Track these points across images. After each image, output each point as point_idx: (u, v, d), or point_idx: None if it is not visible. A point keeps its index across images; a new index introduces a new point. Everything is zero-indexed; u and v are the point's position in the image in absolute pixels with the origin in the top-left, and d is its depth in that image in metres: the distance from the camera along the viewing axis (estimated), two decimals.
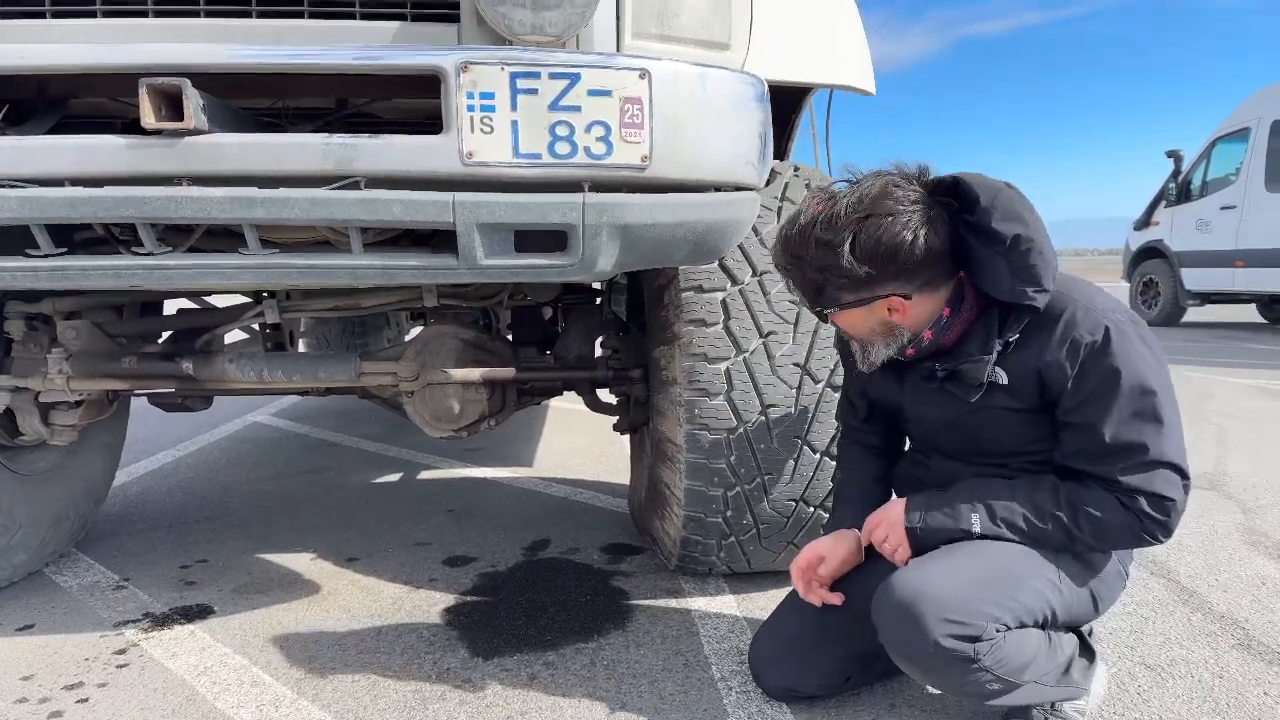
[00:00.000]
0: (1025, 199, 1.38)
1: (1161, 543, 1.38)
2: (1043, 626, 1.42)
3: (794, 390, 1.95)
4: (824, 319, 1.50)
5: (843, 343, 1.77)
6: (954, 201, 1.39)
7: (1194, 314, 10.56)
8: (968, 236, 1.39)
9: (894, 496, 1.70)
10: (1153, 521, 1.35)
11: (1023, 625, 1.38)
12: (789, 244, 1.42)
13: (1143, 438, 1.33)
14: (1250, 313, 10.88)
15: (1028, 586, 1.39)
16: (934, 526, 1.45)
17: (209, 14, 1.40)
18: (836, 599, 1.59)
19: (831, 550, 1.62)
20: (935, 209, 1.37)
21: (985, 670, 1.33)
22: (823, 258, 1.36)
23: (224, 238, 1.61)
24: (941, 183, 1.41)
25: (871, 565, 1.60)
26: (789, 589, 1.78)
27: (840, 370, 1.95)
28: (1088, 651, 1.55)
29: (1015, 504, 1.42)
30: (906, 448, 1.80)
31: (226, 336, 2.34)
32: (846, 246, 1.34)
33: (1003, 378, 1.40)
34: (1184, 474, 1.36)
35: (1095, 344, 1.34)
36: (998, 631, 1.33)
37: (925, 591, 1.33)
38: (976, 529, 1.42)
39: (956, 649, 1.30)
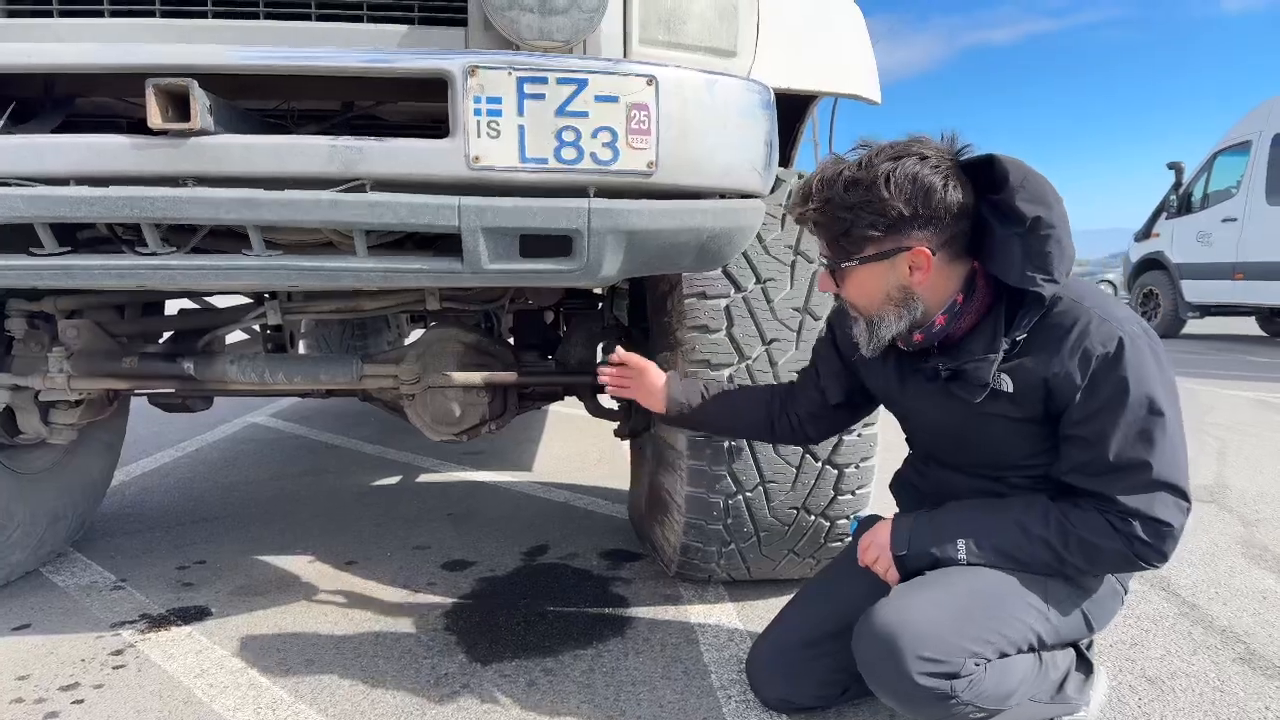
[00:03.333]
0: (1054, 189, 1.34)
1: (1156, 568, 1.36)
2: (1030, 650, 1.41)
3: None
4: (837, 282, 1.44)
5: (821, 339, 1.76)
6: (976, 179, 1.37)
7: (1193, 326, 10.57)
8: (989, 218, 1.36)
9: (893, 501, 1.70)
10: (1145, 546, 1.31)
11: (1004, 655, 1.36)
12: (816, 187, 1.38)
13: (1147, 457, 1.30)
14: (1250, 325, 10.89)
15: (1011, 617, 1.37)
16: (919, 552, 1.44)
17: (216, 15, 1.39)
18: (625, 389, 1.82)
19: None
20: (960, 172, 1.35)
21: (965, 704, 1.32)
22: (854, 195, 1.33)
23: (228, 238, 1.60)
24: (975, 159, 1.37)
25: (866, 584, 1.56)
26: (789, 598, 1.77)
27: None
28: (1085, 665, 1.54)
29: (1003, 529, 1.40)
30: (908, 454, 1.77)
31: (227, 337, 2.34)
32: (881, 181, 1.31)
33: (1007, 384, 1.35)
34: (1185, 496, 1.32)
35: (1108, 355, 1.30)
36: (976, 665, 1.32)
37: (903, 628, 1.32)
38: (962, 556, 1.41)
39: (933, 686, 1.30)
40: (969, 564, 1.40)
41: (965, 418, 1.44)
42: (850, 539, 1.71)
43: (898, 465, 1.76)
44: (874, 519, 1.58)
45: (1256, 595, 2.23)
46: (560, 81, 1.33)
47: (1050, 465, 1.42)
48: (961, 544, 1.41)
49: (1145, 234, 10.73)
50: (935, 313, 1.40)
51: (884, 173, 1.31)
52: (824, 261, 1.46)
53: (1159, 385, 1.31)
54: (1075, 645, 1.53)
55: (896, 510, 1.62)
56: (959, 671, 1.30)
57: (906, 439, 1.72)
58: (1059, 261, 1.31)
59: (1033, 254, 1.31)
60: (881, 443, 2.03)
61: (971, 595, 1.36)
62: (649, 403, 1.83)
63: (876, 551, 1.50)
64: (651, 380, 1.81)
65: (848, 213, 1.35)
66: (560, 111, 1.33)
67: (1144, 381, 1.30)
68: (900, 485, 1.73)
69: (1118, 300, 1.41)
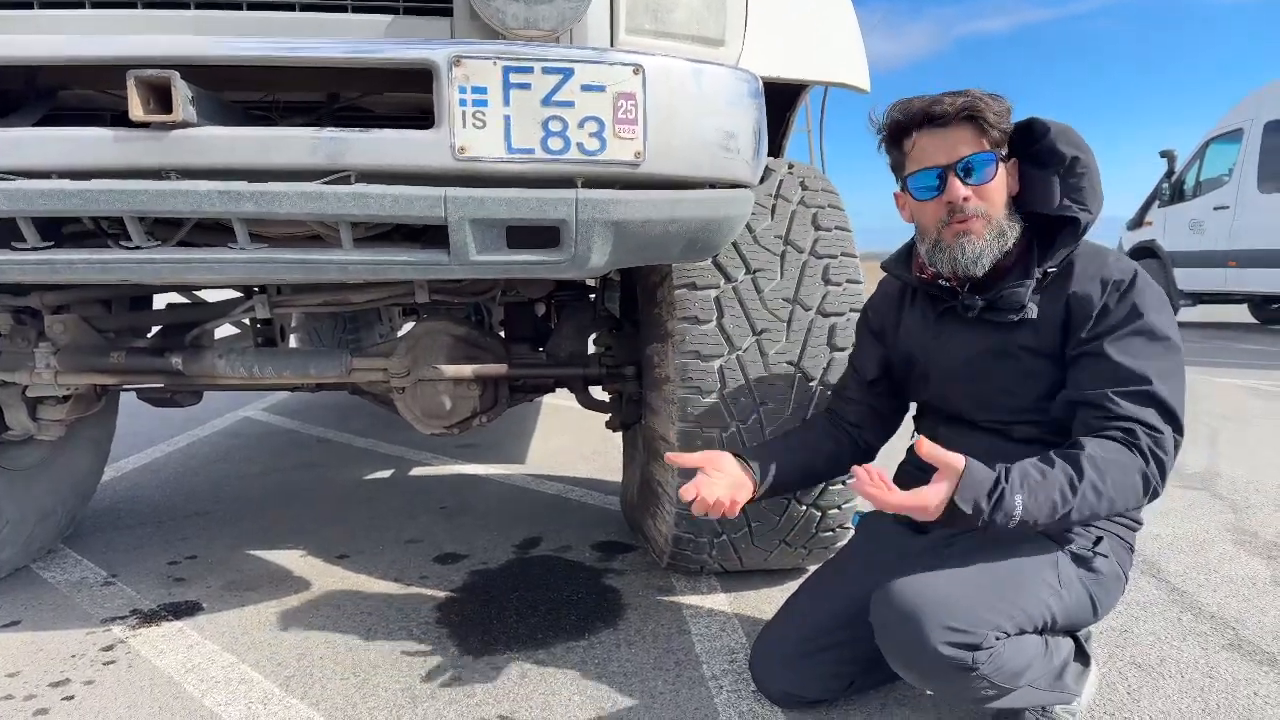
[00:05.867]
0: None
1: (1159, 492, 1.38)
2: (1041, 631, 1.42)
3: (787, 388, 1.94)
4: (976, 186, 1.47)
5: (858, 325, 1.82)
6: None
7: (1186, 314, 10.60)
8: (1027, 168, 1.53)
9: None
10: (1154, 460, 1.35)
11: (1022, 632, 1.37)
12: (959, 92, 1.49)
13: (1148, 373, 1.39)
14: (1242, 313, 10.93)
15: (1030, 592, 1.38)
16: (983, 509, 1.30)
17: (199, 5, 1.38)
18: (731, 511, 1.56)
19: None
20: None
21: (983, 678, 1.32)
22: (996, 103, 1.47)
23: (213, 231, 1.59)
24: (1016, 122, 1.54)
25: (872, 572, 1.54)
26: (782, 588, 1.77)
27: (833, 369, 1.95)
28: (1082, 656, 1.54)
29: (1050, 478, 1.32)
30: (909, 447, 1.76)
31: (216, 331, 2.32)
32: (1002, 99, 1.49)
33: (1033, 311, 1.48)
34: (1178, 426, 1.39)
35: (1123, 283, 1.44)
36: (997, 640, 1.32)
37: (926, 597, 1.33)
38: (1017, 513, 1.30)
39: (955, 657, 1.29)
40: (1020, 520, 1.30)
41: (990, 354, 1.53)
42: (853, 533, 1.70)
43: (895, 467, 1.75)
44: (878, 515, 1.57)
45: (1246, 581, 2.24)
46: (546, 71, 1.32)
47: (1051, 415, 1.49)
48: (1018, 499, 1.30)
49: (1138, 222, 10.75)
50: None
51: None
52: (975, 158, 1.48)
53: (1164, 319, 1.44)
54: (1075, 637, 1.54)
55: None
56: (981, 643, 1.30)
57: (921, 401, 1.73)
58: (1092, 196, 1.48)
59: (1069, 188, 1.49)
60: (883, 449, 2.01)
61: (992, 570, 1.39)
62: (742, 497, 1.60)
63: (945, 490, 1.31)
64: (735, 477, 1.61)
65: (995, 116, 1.47)
66: (546, 101, 1.32)
67: (1153, 311, 1.43)
68: (904, 475, 1.70)
69: None
